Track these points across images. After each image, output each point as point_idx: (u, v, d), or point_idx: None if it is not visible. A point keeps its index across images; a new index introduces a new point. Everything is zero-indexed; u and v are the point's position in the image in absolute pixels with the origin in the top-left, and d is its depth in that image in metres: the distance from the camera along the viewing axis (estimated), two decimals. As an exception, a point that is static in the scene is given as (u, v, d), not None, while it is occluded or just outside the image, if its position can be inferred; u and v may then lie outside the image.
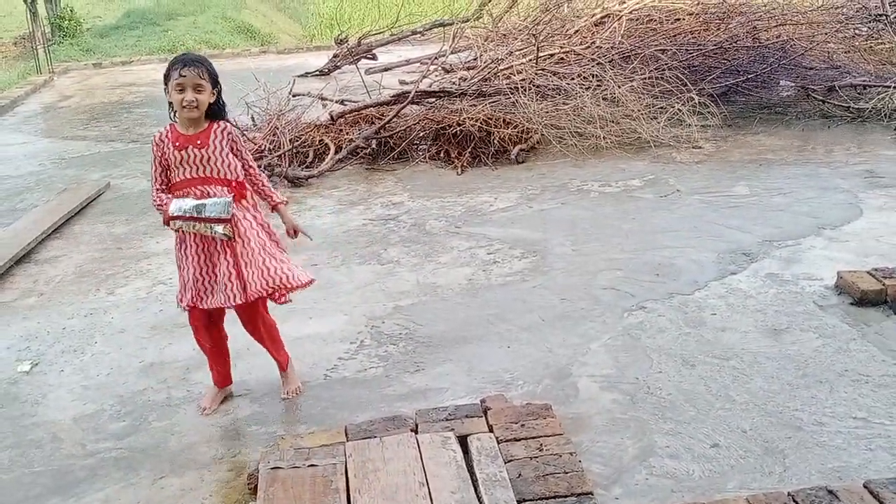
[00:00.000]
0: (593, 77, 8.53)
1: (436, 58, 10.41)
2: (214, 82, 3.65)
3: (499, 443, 3.37)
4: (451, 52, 10.45)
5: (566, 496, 3.04)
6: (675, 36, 9.52)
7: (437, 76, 10.37)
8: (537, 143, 8.05)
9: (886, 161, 7.27)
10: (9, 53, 17.27)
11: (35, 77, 14.47)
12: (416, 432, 3.49)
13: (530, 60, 8.98)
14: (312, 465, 3.26)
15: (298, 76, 11.92)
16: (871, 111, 8.58)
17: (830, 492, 2.97)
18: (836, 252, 5.39)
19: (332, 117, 8.49)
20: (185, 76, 3.55)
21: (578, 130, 7.99)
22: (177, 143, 3.63)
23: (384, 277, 5.38)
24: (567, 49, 9.44)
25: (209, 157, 3.63)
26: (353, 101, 9.34)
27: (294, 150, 7.92)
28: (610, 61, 8.80)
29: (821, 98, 8.98)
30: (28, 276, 5.76)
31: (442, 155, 8.00)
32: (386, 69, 12.57)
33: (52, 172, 8.49)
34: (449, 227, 6.22)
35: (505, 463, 3.24)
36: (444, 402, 3.86)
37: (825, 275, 5.02)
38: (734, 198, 6.51)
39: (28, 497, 3.42)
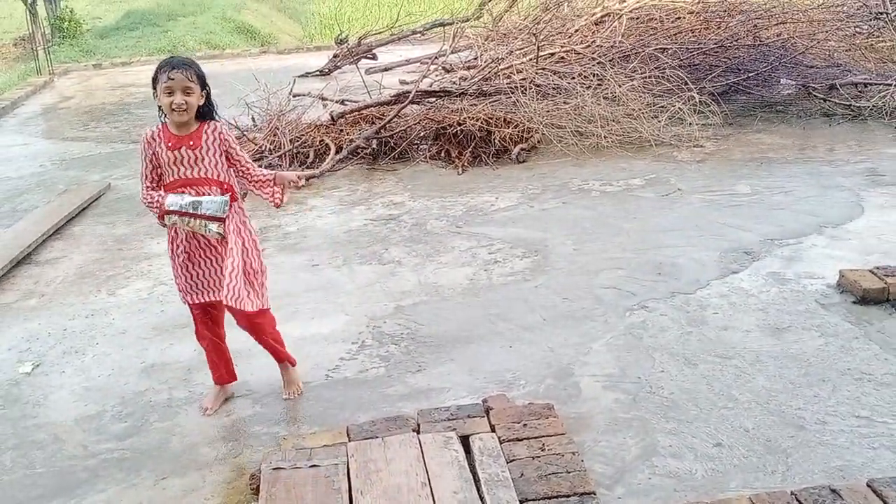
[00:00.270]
0: (594, 76, 8.53)
1: (436, 57, 10.41)
2: (203, 84, 3.65)
3: (501, 443, 3.37)
4: (452, 52, 10.44)
5: (569, 496, 3.03)
6: (675, 35, 9.52)
7: (437, 76, 10.36)
8: (538, 142, 8.04)
9: (888, 159, 7.26)
10: (9, 55, 17.28)
11: (35, 78, 14.47)
12: (418, 432, 3.49)
13: (531, 60, 8.97)
14: (314, 466, 3.25)
15: (299, 76, 11.91)
16: (872, 109, 8.57)
17: (833, 491, 2.96)
18: (838, 250, 5.38)
19: (332, 117, 8.49)
20: (173, 79, 3.55)
21: (579, 130, 7.99)
22: (169, 144, 3.63)
23: (385, 277, 5.38)
24: (567, 48, 9.44)
25: (202, 158, 3.63)
26: (354, 101, 9.33)
27: (295, 151, 7.92)
28: (610, 60, 8.79)
29: (822, 96, 8.97)
30: (29, 278, 5.76)
31: (443, 155, 7.99)
32: (386, 69, 12.56)
33: (52, 173, 8.49)
34: (450, 227, 6.21)
35: (507, 463, 3.23)
36: (446, 402, 3.86)
37: (827, 273, 5.01)
38: (735, 196, 6.50)
39: (30, 498, 3.42)
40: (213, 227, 3.61)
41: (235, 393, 4.07)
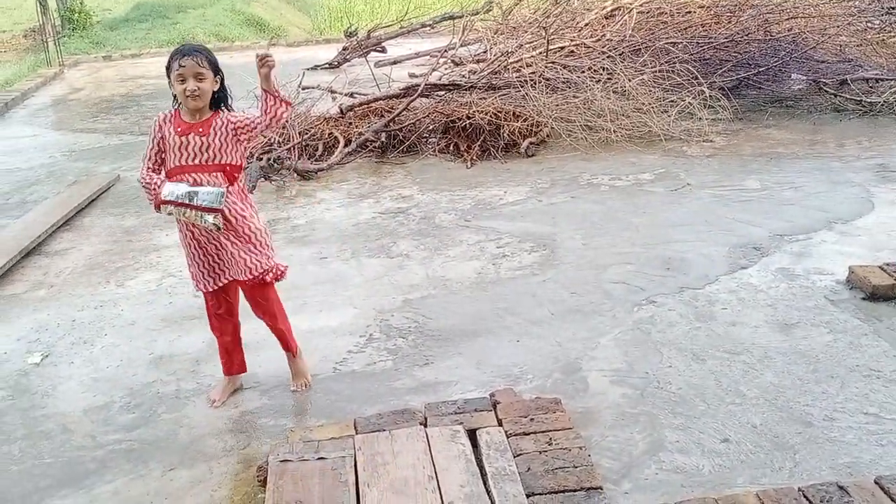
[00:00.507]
0: (603, 70, 8.51)
1: (445, 51, 10.40)
2: (216, 70, 3.65)
3: (508, 437, 3.37)
4: (461, 45, 10.42)
5: (575, 490, 3.03)
6: (685, 29, 9.49)
7: (446, 69, 10.34)
8: (547, 136, 8.02)
9: (899, 155, 7.23)
10: (19, 46, 17.32)
11: (45, 70, 14.51)
12: (426, 426, 3.49)
13: (540, 53, 8.95)
14: (322, 458, 3.26)
15: (308, 69, 11.90)
16: (883, 105, 8.53)
17: (841, 487, 2.95)
18: (848, 246, 5.36)
19: (341, 110, 8.49)
20: (184, 66, 3.55)
21: (588, 124, 7.97)
22: (179, 129, 3.62)
23: (393, 271, 5.38)
24: (577, 42, 9.41)
25: (208, 145, 3.62)
26: (363, 94, 9.32)
27: (303, 143, 7.92)
28: (620, 54, 8.77)
29: (832, 91, 8.93)
30: (38, 269, 5.78)
31: (451, 148, 7.98)
32: (395, 62, 12.56)
33: (62, 165, 8.51)
34: (458, 221, 6.21)
35: (514, 457, 3.23)
36: (454, 396, 3.86)
37: (836, 269, 5.00)
38: (745, 192, 6.48)
39: (38, 488, 3.43)
40: (210, 218, 3.57)
41: (243, 385, 4.08)
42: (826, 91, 8.98)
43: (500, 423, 3.48)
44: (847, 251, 5.27)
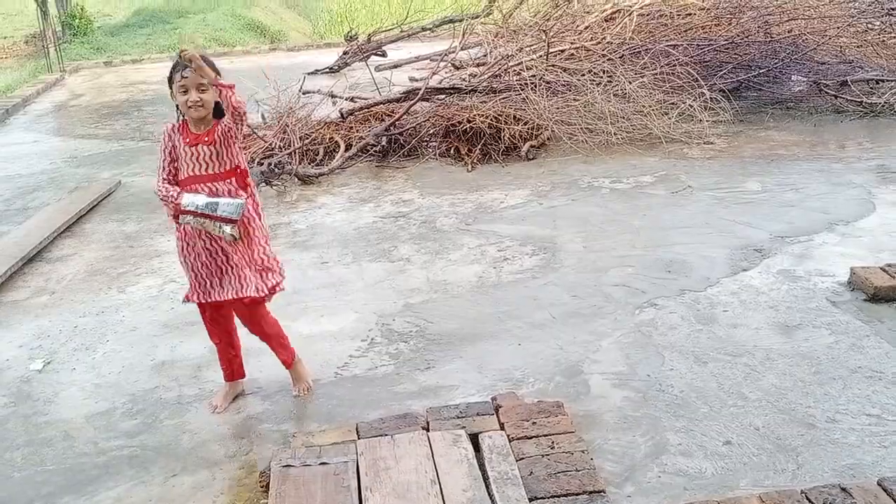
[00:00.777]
0: (604, 73, 8.51)
1: (446, 54, 10.40)
2: None
3: (510, 440, 3.37)
4: (461, 49, 10.43)
5: (578, 494, 3.03)
6: (685, 31, 9.50)
7: (447, 73, 10.35)
8: (548, 139, 8.03)
9: (899, 156, 7.23)
10: (20, 52, 17.35)
11: (46, 76, 14.54)
12: (428, 430, 3.49)
13: (540, 57, 8.95)
14: (324, 464, 3.26)
15: (308, 73, 11.94)
16: (883, 106, 8.53)
17: (844, 489, 2.95)
18: (849, 248, 5.35)
19: (342, 115, 8.50)
20: (187, 77, 3.55)
21: (589, 127, 7.97)
22: (188, 140, 3.63)
23: (395, 275, 5.38)
24: (577, 45, 9.41)
25: (217, 153, 3.63)
26: (363, 99, 9.34)
27: (304, 148, 7.93)
28: (620, 57, 8.78)
29: (833, 93, 8.93)
30: (40, 275, 5.78)
31: (452, 152, 7.99)
32: (396, 66, 12.56)
33: (63, 171, 8.52)
34: (459, 225, 6.21)
35: (516, 461, 3.23)
36: (455, 400, 3.85)
37: (838, 271, 4.99)
38: (746, 194, 6.48)
39: (40, 495, 3.43)
40: (228, 228, 3.61)
41: (245, 390, 4.08)
42: (826, 92, 8.98)
43: (502, 427, 3.48)
44: (848, 252, 5.27)
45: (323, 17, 21.65)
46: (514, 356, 4.27)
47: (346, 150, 7.94)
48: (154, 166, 3.78)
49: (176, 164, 3.68)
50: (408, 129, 8.20)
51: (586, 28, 9.91)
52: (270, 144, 7.85)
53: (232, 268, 3.71)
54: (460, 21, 11.80)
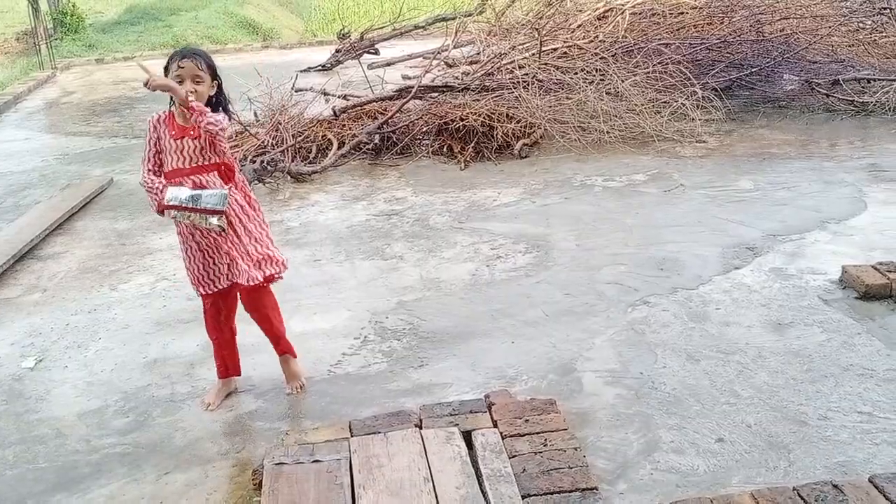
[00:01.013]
0: (596, 71, 8.52)
1: (438, 52, 10.40)
2: (214, 75, 3.65)
3: (503, 438, 3.37)
4: (454, 47, 10.44)
5: (570, 491, 3.03)
6: (678, 30, 9.51)
7: (439, 71, 10.35)
8: (540, 137, 8.03)
9: (891, 155, 7.25)
10: (11, 49, 17.27)
11: (38, 73, 14.49)
12: (421, 427, 3.49)
13: (533, 55, 8.96)
14: (317, 461, 3.26)
15: (301, 71, 11.92)
16: (875, 105, 8.56)
17: (835, 486, 2.96)
18: (841, 246, 5.37)
19: (334, 112, 8.49)
20: (183, 67, 3.56)
21: (582, 125, 7.98)
22: (173, 133, 3.63)
23: (388, 273, 5.38)
24: (570, 43, 9.42)
25: (202, 147, 3.63)
26: (356, 96, 9.33)
27: (297, 146, 7.92)
28: (613, 55, 8.78)
29: (825, 92, 8.95)
30: (31, 273, 5.77)
31: (445, 150, 7.99)
32: (388, 64, 12.56)
33: (55, 168, 8.50)
34: (452, 223, 6.21)
35: (509, 458, 3.23)
36: (449, 398, 3.86)
37: (830, 269, 5.01)
38: (738, 192, 6.50)
39: (33, 493, 3.42)
40: (214, 220, 3.60)
41: (238, 388, 4.08)
42: (818, 91, 9.01)
43: (495, 425, 3.48)
44: (840, 251, 5.29)
45: (315, 14, 21.63)
46: (507, 354, 4.27)
47: (339, 147, 7.93)
48: (142, 157, 3.77)
49: (161, 156, 3.67)
50: (401, 127, 8.20)
51: (579, 26, 9.93)
52: (263, 142, 7.83)
53: (225, 257, 3.71)
54: (453, 19, 11.82)
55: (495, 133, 7.80)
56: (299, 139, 7.98)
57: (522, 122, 7.92)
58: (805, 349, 4.15)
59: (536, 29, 9.26)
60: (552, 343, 4.36)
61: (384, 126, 8.15)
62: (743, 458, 3.35)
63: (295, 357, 4.09)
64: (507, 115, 7.93)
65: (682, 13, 9.82)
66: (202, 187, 3.62)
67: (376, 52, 13.25)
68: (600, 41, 9.23)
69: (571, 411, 3.70)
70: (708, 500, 2.97)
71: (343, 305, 4.95)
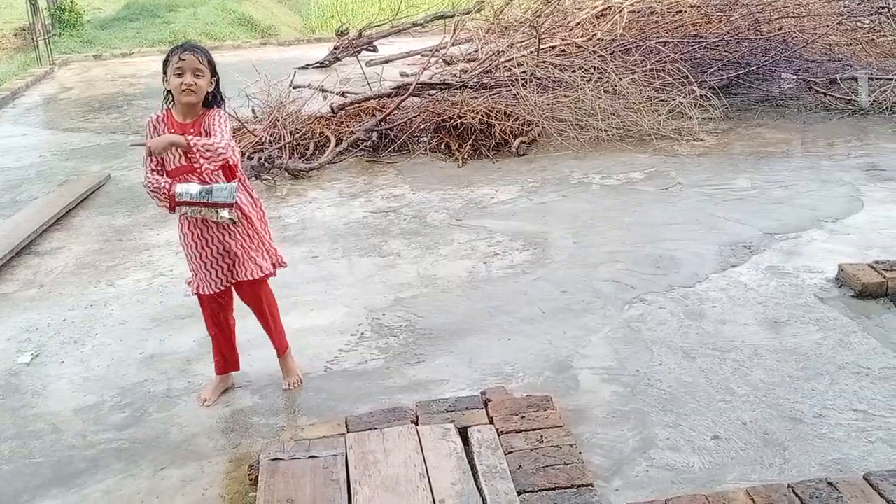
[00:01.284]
0: (595, 69, 8.52)
1: (437, 50, 10.39)
2: (213, 70, 3.65)
3: (499, 434, 3.38)
4: (452, 45, 10.43)
5: (566, 488, 3.04)
6: (676, 28, 9.52)
7: (437, 68, 10.36)
8: (538, 135, 8.04)
9: (888, 154, 7.26)
10: (9, 45, 17.25)
11: (36, 69, 14.47)
12: (417, 424, 3.50)
13: (531, 53, 8.96)
14: (313, 457, 3.26)
15: (299, 68, 11.90)
16: (872, 104, 8.56)
17: (830, 484, 2.97)
18: (838, 245, 5.38)
19: (332, 109, 8.49)
20: (184, 60, 3.56)
21: (580, 123, 7.98)
22: (173, 130, 3.62)
23: (385, 269, 5.38)
24: (568, 41, 9.43)
25: None
26: (354, 94, 9.33)
27: (295, 143, 7.91)
28: (611, 53, 8.79)
29: (822, 91, 8.96)
30: (28, 268, 5.76)
31: (443, 147, 7.99)
32: (387, 61, 12.56)
33: (52, 164, 8.49)
34: (450, 220, 6.21)
35: (505, 454, 3.24)
36: (445, 394, 3.86)
37: (826, 267, 5.02)
38: (735, 190, 6.51)
39: (29, 488, 3.43)
40: (225, 213, 3.62)
41: (235, 384, 4.08)
42: (816, 90, 9.01)
43: (491, 421, 3.49)
44: (837, 249, 5.29)
45: (314, 11, 21.60)
46: (503, 351, 4.28)
47: (337, 144, 7.93)
48: (143, 160, 3.75)
49: (161, 155, 3.67)
50: (398, 125, 8.20)
51: (577, 24, 9.93)
52: (261, 139, 7.83)
53: (230, 254, 3.71)
54: (451, 17, 11.80)
55: (493, 131, 7.80)
56: (297, 136, 7.98)
57: (520, 119, 7.92)
58: (801, 347, 4.16)
59: (535, 27, 9.27)
60: (549, 340, 4.36)
61: (382, 123, 8.15)
62: (738, 456, 3.35)
63: (291, 353, 4.09)
64: (505, 113, 7.94)
65: (681, 12, 9.82)
66: (207, 183, 3.62)
67: (374, 50, 13.25)
68: (598, 39, 9.23)
69: (567, 408, 3.71)
70: (703, 497, 2.97)
71: (340, 302, 4.95)
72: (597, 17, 10.01)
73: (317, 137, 8.09)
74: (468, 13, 11.86)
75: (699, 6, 9.85)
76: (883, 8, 10.03)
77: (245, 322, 4.05)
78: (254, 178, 7.25)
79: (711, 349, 4.18)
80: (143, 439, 3.71)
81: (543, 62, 8.85)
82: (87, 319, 4.92)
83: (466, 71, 9.28)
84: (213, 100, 3.70)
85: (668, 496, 3.05)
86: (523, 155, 7.75)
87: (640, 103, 8.07)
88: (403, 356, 4.28)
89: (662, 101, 8.21)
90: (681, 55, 8.83)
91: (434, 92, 8.70)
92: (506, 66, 8.86)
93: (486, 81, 8.62)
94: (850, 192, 6.35)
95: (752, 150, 7.58)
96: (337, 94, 9.62)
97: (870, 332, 4.26)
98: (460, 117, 7.85)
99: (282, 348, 4.05)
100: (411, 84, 8.48)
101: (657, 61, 8.67)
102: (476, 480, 3.11)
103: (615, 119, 7.98)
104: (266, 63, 11.87)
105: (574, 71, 8.52)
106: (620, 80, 8.23)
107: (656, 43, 9.01)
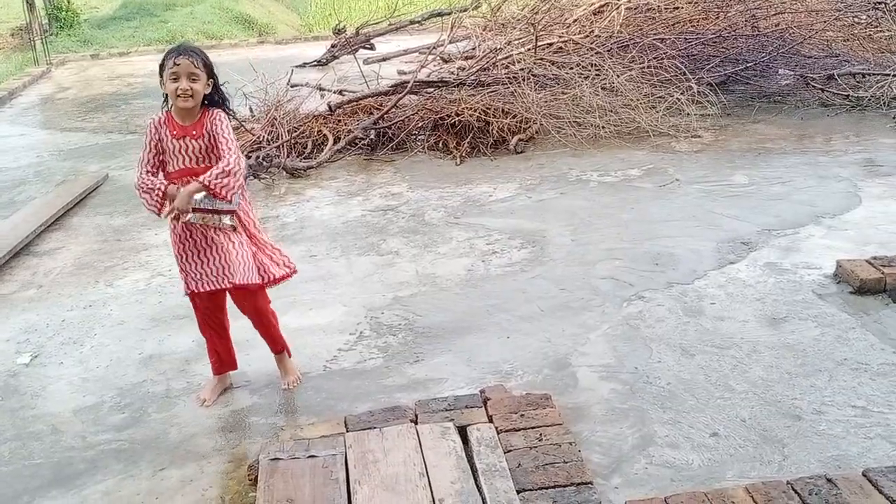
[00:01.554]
0: (592, 66, 8.52)
1: (434, 47, 10.38)
2: (210, 73, 3.63)
3: (498, 433, 3.38)
4: (450, 42, 10.42)
5: (565, 486, 3.05)
6: (673, 25, 9.51)
7: (435, 66, 10.34)
8: (536, 133, 8.03)
9: (885, 149, 7.26)
10: (6, 45, 17.22)
11: (33, 68, 14.44)
12: (416, 423, 3.50)
13: (529, 50, 8.96)
14: (312, 457, 3.27)
15: (297, 66, 11.88)
16: (870, 99, 8.57)
17: (829, 480, 2.98)
18: (835, 241, 5.38)
19: (330, 108, 8.48)
20: (179, 65, 3.54)
21: (577, 120, 7.98)
22: (174, 133, 3.61)
23: (383, 268, 5.38)
24: (566, 38, 9.42)
25: (205, 147, 3.62)
26: (352, 92, 9.32)
27: (292, 141, 7.91)
28: (609, 50, 8.78)
29: (820, 86, 8.95)
30: (27, 269, 5.76)
31: (440, 145, 7.98)
32: (384, 59, 12.54)
33: (50, 164, 8.48)
34: (448, 218, 6.21)
35: (504, 453, 3.24)
36: (444, 393, 3.86)
37: (824, 263, 5.02)
38: (733, 187, 6.51)
39: (28, 489, 3.43)
40: (227, 219, 3.65)
41: (233, 384, 4.08)
42: (813, 86, 9.01)
43: (490, 420, 3.49)
44: (835, 245, 5.30)
45: (311, 10, 21.58)
46: (502, 349, 4.28)
47: (335, 143, 7.93)
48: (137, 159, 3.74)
49: (162, 158, 3.66)
50: (396, 123, 8.19)
51: (574, 21, 9.92)
52: (258, 137, 7.83)
53: (223, 256, 3.69)
54: (449, 14, 11.79)
55: (491, 128, 7.80)
56: (295, 135, 7.98)
57: (518, 117, 7.92)
58: (799, 343, 4.16)
59: (532, 24, 9.27)
60: (547, 338, 4.36)
61: (380, 121, 8.14)
62: (737, 453, 3.36)
63: (290, 353, 4.10)
64: (503, 111, 7.93)
65: (678, 8, 9.81)
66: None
67: (372, 48, 13.23)
68: (596, 36, 9.22)
69: (566, 406, 3.71)
70: (702, 494, 2.98)
71: (339, 301, 4.95)
72: (594, 14, 10.01)
73: (314, 136, 8.09)
74: (465, 10, 11.84)
75: (696, 2, 9.84)
76: (880, 3, 10.02)
77: (243, 321, 4.04)
78: (252, 178, 7.25)
79: (710, 346, 4.18)
80: (142, 440, 3.71)
81: (541, 59, 8.85)
82: (86, 320, 4.92)
83: (464, 68, 9.27)
84: (214, 100, 3.69)
85: (668, 494, 3.05)
86: (521, 152, 7.74)
87: (638, 100, 8.07)
88: (402, 355, 4.29)
89: (660, 97, 8.21)
90: (678, 52, 8.83)
91: (432, 90, 8.69)
92: (503, 64, 8.85)
93: (483, 79, 8.62)
94: (848, 187, 6.35)
95: (749, 146, 7.58)
96: (334, 92, 9.61)
97: (868, 328, 4.26)
98: (458, 115, 7.85)
99: (277, 350, 4.05)
100: (409, 82, 8.47)
101: (654, 58, 8.67)
102: (475, 479, 3.12)
103: (613, 116, 7.98)
104: (263, 62, 11.87)
105: (571, 68, 8.52)
106: (618, 76, 8.23)
107: (654, 39, 9.00)
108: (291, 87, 9.60)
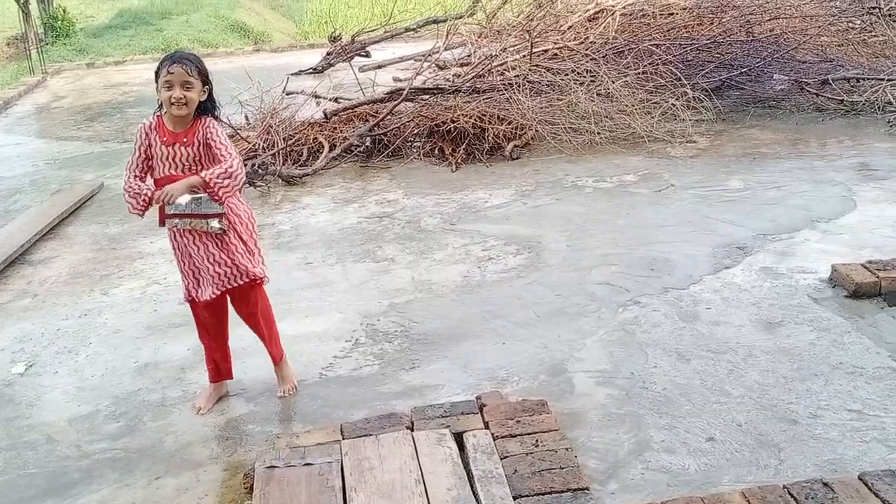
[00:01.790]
0: (587, 73, 8.52)
1: (429, 55, 10.39)
2: (204, 80, 3.62)
3: (494, 439, 3.37)
4: (445, 49, 10.43)
5: (562, 492, 3.04)
6: (668, 31, 9.53)
7: (430, 73, 10.35)
8: (531, 139, 8.04)
9: (880, 153, 7.27)
10: (1, 54, 17.23)
11: (28, 77, 14.43)
12: (412, 430, 3.49)
13: (524, 57, 8.97)
14: (308, 464, 3.26)
15: (292, 74, 11.89)
16: (864, 104, 8.58)
17: (825, 484, 2.97)
18: (831, 245, 5.39)
19: (325, 115, 8.48)
20: (173, 73, 3.53)
21: (572, 126, 7.99)
22: (164, 139, 3.61)
23: (379, 275, 5.38)
24: (561, 45, 9.43)
25: (195, 155, 3.62)
26: (347, 99, 9.33)
27: (288, 149, 7.91)
28: (604, 57, 8.80)
29: (814, 91, 8.97)
30: (22, 278, 5.75)
31: (436, 152, 7.99)
32: (380, 66, 12.54)
33: (45, 173, 8.47)
34: (444, 224, 6.21)
35: (501, 459, 3.24)
36: (440, 400, 3.86)
37: (819, 268, 5.03)
38: (728, 192, 6.52)
39: (23, 499, 3.42)
40: (215, 223, 3.62)
41: (229, 392, 4.07)
42: (808, 91, 9.03)
43: (486, 426, 3.49)
44: (830, 249, 5.30)
45: (307, 17, 21.61)
46: (498, 355, 4.28)
47: (331, 150, 7.93)
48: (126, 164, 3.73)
49: (150, 163, 3.66)
50: (392, 130, 8.19)
51: (569, 28, 9.93)
52: (254, 145, 7.83)
53: (219, 263, 3.69)
54: (444, 21, 11.80)
55: (486, 135, 7.80)
56: (290, 142, 7.98)
57: (513, 123, 7.93)
58: (795, 348, 4.16)
59: (527, 31, 9.27)
60: (543, 344, 4.36)
61: (375, 128, 8.15)
62: (733, 457, 3.36)
63: (287, 360, 4.09)
64: (498, 117, 7.94)
65: (673, 14, 9.84)
66: (197, 192, 3.60)
67: (367, 55, 13.24)
68: (591, 42, 9.23)
69: (563, 412, 3.71)
70: (699, 499, 2.98)
71: (334, 308, 4.95)
72: (589, 21, 10.01)
73: (310, 143, 8.09)
74: (461, 18, 11.85)
75: (691, 8, 9.87)
76: (874, 8, 10.06)
77: (239, 329, 4.04)
78: (247, 185, 7.24)
79: (706, 351, 4.18)
80: (137, 448, 3.70)
81: (536, 66, 8.85)
82: (81, 329, 4.91)
83: (459, 75, 9.28)
84: (206, 108, 3.69)
85: (664, 499, 3.05)
86: (517, 159, 7.75)
87: (633, 106, 8.07)
88: (398, 362, 4.28)
89: (655, 103, 8.21)
90: (673, 57, 8.84)
91: (427, 97, 8.70)
92: (499, 71, 8.86)
93: (479, 86, 8.63)
94: (843, 192, 6.36)
95: (744, 151, 7.59)
96: (330, 99, 9.62)
97: (863, 332, 4.27)
98: (453, 122, 7.86)
99: (277, 356, 4.04)
100: (404, 89, 8.48)
101: (649, 64, 8.68)
102: (472, 486, 3.11)
103: (608, 122, 7.99)
104: (259, 69, 11.86)
105: (567, 74, 8.53)
106: (613, 82, 8.24)
107: (648, 45, 9.02)
108: (287, 94, 9.59)
